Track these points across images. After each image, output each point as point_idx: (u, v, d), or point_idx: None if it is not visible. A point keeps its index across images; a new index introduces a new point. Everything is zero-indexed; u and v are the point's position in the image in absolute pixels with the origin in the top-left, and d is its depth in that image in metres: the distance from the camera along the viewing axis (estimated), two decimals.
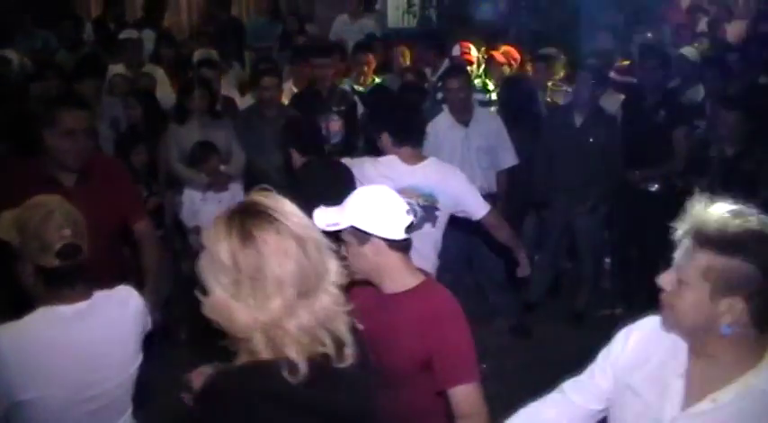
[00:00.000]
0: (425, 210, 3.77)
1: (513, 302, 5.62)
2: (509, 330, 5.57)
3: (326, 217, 2.35)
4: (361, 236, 2.37)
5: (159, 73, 6.73)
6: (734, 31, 9.57)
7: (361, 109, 6.22)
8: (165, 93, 6.38)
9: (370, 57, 6.59)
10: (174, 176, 5.31)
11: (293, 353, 1.58)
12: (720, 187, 4.68)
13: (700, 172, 4.83)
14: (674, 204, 5.72)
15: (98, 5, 9.28)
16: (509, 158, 5.28)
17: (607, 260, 6.41)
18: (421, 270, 2.55)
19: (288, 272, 1.60)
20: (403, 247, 2.43)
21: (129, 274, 3.49)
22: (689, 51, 6.51)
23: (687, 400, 1.83)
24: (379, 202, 2.40)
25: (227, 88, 6.62)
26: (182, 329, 5.12)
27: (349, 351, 1.68)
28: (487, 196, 4.52)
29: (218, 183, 5.16)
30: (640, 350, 2.02)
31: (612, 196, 5.75)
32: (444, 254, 4.07)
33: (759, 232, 1.73)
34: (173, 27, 8.91)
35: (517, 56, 6.91)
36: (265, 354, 1.60)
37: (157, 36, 7.89)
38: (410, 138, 3.87)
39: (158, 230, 5.06)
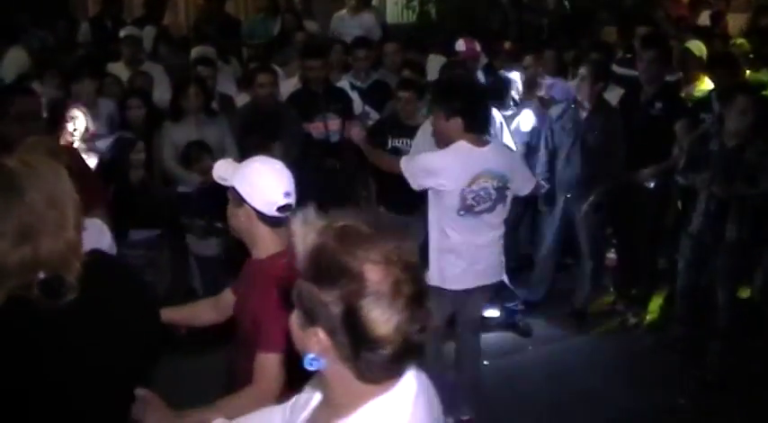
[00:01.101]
0: (498, 191, 3.96)
1: (514, 302, 5.58)
2: (510, 329, 5.54)
3: (222, 170, 2.62)
4: (239, 199, 2.58)
5: (158, 71, 6.70)
6: (735, 24, 9.53)
7: (359, 104, 6.20)
8: (164, 91, 6.35)
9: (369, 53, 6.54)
10: (167, 175, 5.28)
11: None
12: (722, 180, 4.64)
13: (700, 166, 4.79)
14: (669, 200, 5.70)
15: (95, 5, 9.24)
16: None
17: (611, 255, 6.38)
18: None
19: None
20: (273, 222, 2.59)
21: None
22: (692, 45, 6.44)
23: None
24: (263, 176, 2.57)
25: (225, 85, 6.58)
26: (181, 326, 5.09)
27: (71, 295, 1.86)
28: None
29: (210, 182, 5.11)
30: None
31: (613, 193, 5.71)
32: None
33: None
34: (171, 26, 8.87)
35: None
36: None
37: (156, 34, 7.85)
38: (481, 124, 3.99)
39: (154, 229, 5.09)
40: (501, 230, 4.14)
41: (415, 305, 1.45)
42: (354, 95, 6.21)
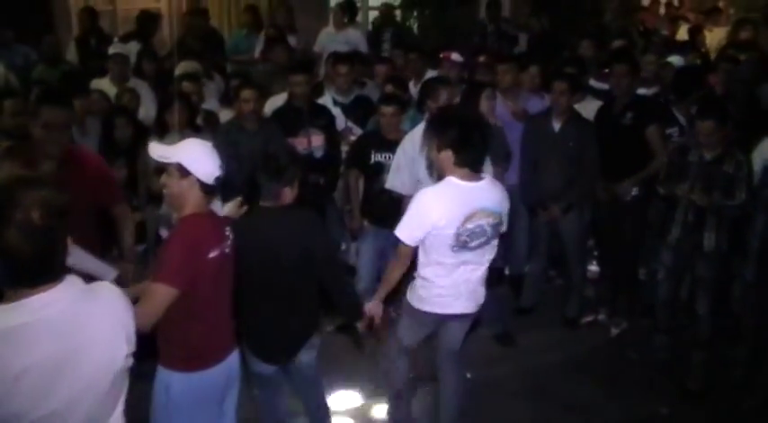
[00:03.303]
0: (494, 228, 3.85)
1: (498, 312, 5.63)
2: (494, 338, 5.58)
3: (160, 150, 3.18)
4: (184, 172, 3.12)
5: (143, 87, 6.72)
6: (714, 38, 9.67)
7: (342, 120, 6.25)
8: (149, 107, 6.36)
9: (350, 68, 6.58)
10: (153, 191, 5.29)
11: None
12: (701, 190, 4.72)
13: (679, 177, 4.87)
14: (649, 209, 5.77)
15: (81, 21, 9.23)
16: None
17: (592, 267, 6.47)
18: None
19: None
20: (208, 190, 3.19)
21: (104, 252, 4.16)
22: (676, 59, 6.56)
23: None
24: (204, 153, 3.18)
25: (209, 101, 6.61)
26: None
27: None
28: None
29: None
30: None
31: (595, 203, 5.81)
32: None
33: None
34: (155, 41, 8.88)
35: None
36: None
37: (140, 50, 7.87)
38: (474, 159, 3.77)
39: (140, 245, 5.10)
40: (488, 263, 4.02)
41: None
42: (337, 111, 6.24)
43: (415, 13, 9.87)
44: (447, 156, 3.74)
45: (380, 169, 5.39)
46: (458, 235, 3.74)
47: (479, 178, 3.82)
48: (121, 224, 4.25)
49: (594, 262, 6.50)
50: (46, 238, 2.00)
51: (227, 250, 3.26)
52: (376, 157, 5.45)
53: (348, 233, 6.13)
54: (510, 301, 6.01)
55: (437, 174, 4.02)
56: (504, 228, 3.95)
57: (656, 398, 4.93)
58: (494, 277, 5.88)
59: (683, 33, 9.99)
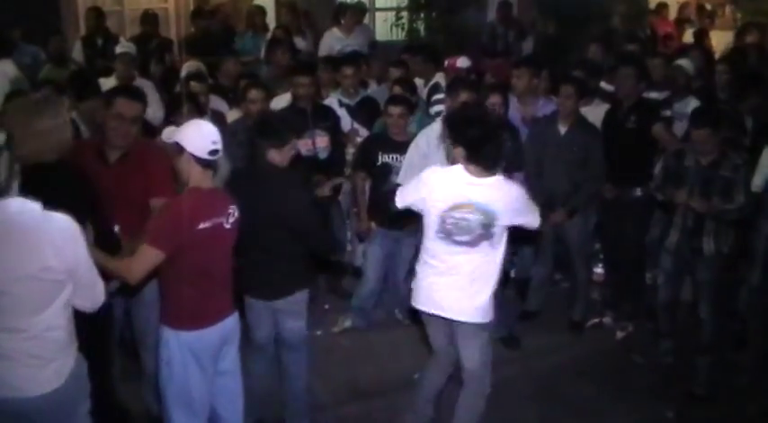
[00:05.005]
0: (484, 228, 3.84)
1: (504, 315, 5.62)
2: (499, 341, 5.57)
3: (168, 133, 3.53)
4: (180, 149, 3.44)
5: (149, 87, 6.71)
6: (720, 41, 9.66)
7: (348, 121, 6.25)
8: (155, 108, 6.37)
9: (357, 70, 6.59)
10: None
11: None
12: (699, 194, 4.71)
13: (676, 182, 4.86)
14: (653, 210, 5.74)
15: (88, 21, 9.26)
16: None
17: (598, 270, 6.46)
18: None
19: None
20: (204, 164, 3.45)
21: None
22: (685, 63, 6.55)
23: None
24: (196, 130, 3.46)
25: (216, 101, 6.61)
26: None
27: None
28: None
29: None
30: None
31: (600, 207, 5.80)
32: None
33: None
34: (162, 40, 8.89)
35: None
36: None
37: (147, 50, 7.88)
38: (486, 159, 3.85)
39: None
40: (484, 274, 3.95)
41: None
42: (342, 112, 6.25)
43: (423, 16, 9.87)
44: (459, 152, 3.87)
45: (388, 171, 5.40)
46: (442, 219, 3.86)
47: (488, 175, 3.87)
48: None
49: (600, 265, 6.49)
50: None
51: (225, 225, 3.52)
52: (383, 158, 5.45)
53: (355, 235, 6.14)
54: (516, 305, 6.00)
55: (451, 163, 4.09)
56: (497, 232, 3.88)
57: (661, 402, 4.92)
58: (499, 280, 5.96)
59: (689, 36, 9.98)
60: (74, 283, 2.88)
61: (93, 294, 3.02)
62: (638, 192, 5.61)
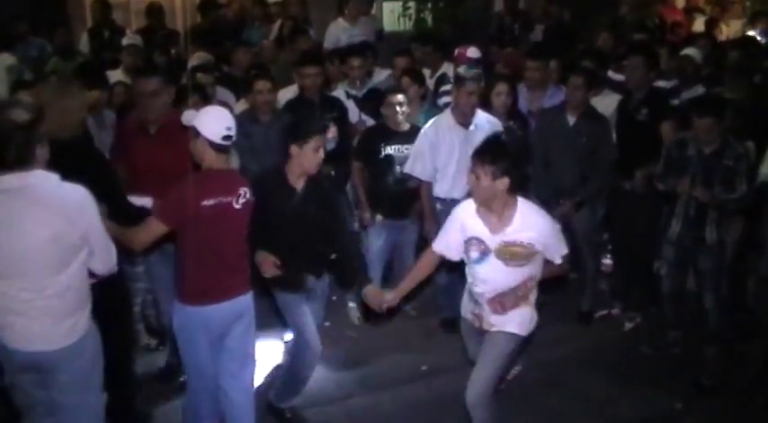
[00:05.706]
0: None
1: None
2: None
3: (189, 116, 3.71)
4: (196, 132, 3.65)
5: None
6: (730, 30, 9.60)
7: (356, 113, 6.23)
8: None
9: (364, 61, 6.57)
10: None
11: None
12: (702, 184, 4.67)
13: (678, 171, 4.82)
14: (660, 202, 5.68)
15: (94, 13, 9.26)
16: None
17: (606, 261, 6.43)
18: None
19: None
20: (218, 148, 3.67)
21: None
22: (693, 52, 6.50)
23: None
24: (212, 116, 3.70)
25: (223, 92, 6.60)
26: None
27: None
28: None
29: None
30: None
31: (608, 197, 5.77)
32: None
33: None
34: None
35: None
36: None
37: (153, 41, 7.87)
38: (523, 184, 3.96)
39: None
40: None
41: None
42: (350, 104, 6.23)
43: (430, 6, 9.82)
44: (503, 183, 3.66)
45: (392, 162, 5.40)
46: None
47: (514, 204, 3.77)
48: None
49: (608, 256, 6.46)
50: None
51: (235, 204, 3.69)
52: (386, 149, 5.44)
53: (358, 224, 6.14)
54: None
55: (480, 200, 3.81)
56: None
57: (669, 392, 4.90)
58: None
59: (699, 25, 9.92)
60: (88, 247, 3.19)
61: (107, 258, 3.33)
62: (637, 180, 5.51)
